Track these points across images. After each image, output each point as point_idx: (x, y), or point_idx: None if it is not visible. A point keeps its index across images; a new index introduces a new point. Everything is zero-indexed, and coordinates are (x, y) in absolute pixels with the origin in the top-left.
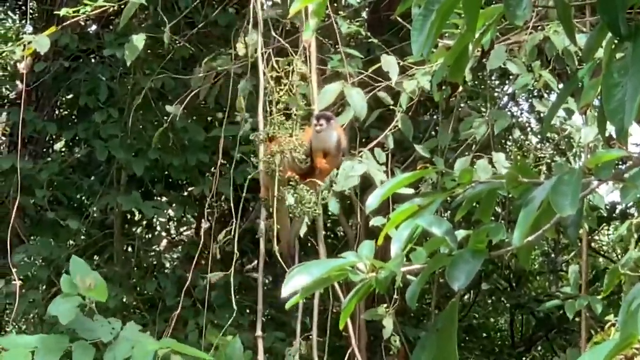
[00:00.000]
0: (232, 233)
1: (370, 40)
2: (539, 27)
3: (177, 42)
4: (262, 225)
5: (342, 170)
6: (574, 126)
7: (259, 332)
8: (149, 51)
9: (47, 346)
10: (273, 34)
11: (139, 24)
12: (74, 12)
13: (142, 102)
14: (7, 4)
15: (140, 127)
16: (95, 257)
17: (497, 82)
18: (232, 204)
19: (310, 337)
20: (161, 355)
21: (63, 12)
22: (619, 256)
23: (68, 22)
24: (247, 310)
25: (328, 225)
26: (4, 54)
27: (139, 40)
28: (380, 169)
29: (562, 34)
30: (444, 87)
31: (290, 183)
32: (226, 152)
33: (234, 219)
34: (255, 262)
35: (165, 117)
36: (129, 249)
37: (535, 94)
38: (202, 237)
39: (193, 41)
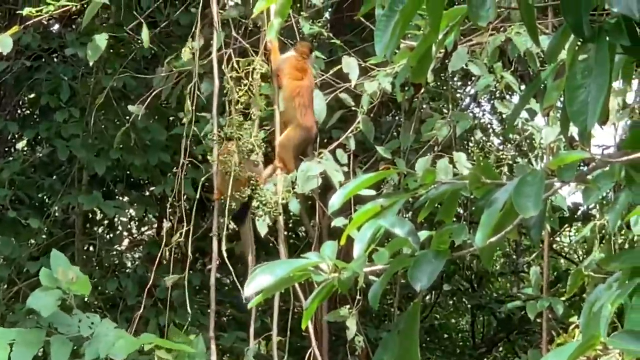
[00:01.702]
0: (189, 233)
1: (332, 41)
2: (502, 29)
3: (138, 41)
4: (214, 225)
5: (301, 171)
6: (536, 127)
7: (211, 333)
8: (110, 50)
9: (25, 340)
10: (234, 34)
11: (101, 23)
12: (36, 11)
13: (103, 102)
14: None
15: (102, 126)
16: None
17: (459, 83)
18: (194, 204)
19: (271, 337)
20: (147, 349)
21: (25, 11)
22: (581, 258)
23: (30, 21)
24: (209, 310)
25: (290, 225)
26: None
27: (101, 39)
28: (340, 170)
29: (524, 35)
30: (406, 88)
31: (251, 182)
32: (188, 151)
33: (192, 219)
34: (218, 261)
35: (127, 117)
36: (90, 248)
37: (497, 95)
38: (164, 237)
39: (155, 41)
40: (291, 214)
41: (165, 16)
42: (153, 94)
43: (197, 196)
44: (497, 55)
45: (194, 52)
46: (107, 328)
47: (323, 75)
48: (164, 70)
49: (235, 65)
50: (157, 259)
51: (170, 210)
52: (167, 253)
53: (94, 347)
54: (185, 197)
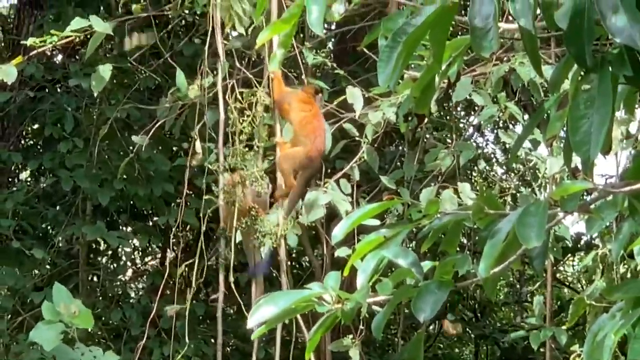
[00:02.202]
0: (193, 264)
1: (336, 71)
2: (505, 59)
3: (142, 72)
4: (221, 256)
5: (307, 201)
6: (539, 157)
7: None
8: (114, 81)
9: None
10: (237, 65)
11: (105, 54)
12: (40, 42)
13: (107, 133)
14: None
15: (106, 157)
16: None
17: (462, 113)
18: (198, 234)
19: None
20: None
21: (29, 42)
22: (584, 287)
23: (34, 52)
24: (212, 340)
25: (293, 255)
26: None
27: (105, 70)
28: (346, 200)
29: (527, 65)
30: (410, 119)
31: (252, 214)
32: (191, 182)
33: (198, 249)
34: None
35: (131, 148)
36: (94, 278)
37: (501, 125)
38: (167, 267)
39: (159, 71)
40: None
41: (169, 47)
42: (157, 124)
43: (202, 227)
44: (500, 85)
45: (194, 92)
46: None
47: (327, 105)
48: (167, 100)
49: (239, 97)
50: (161, 290)
51: (174, 240)
52: (171, 283)
53: None
54: (188, 227)
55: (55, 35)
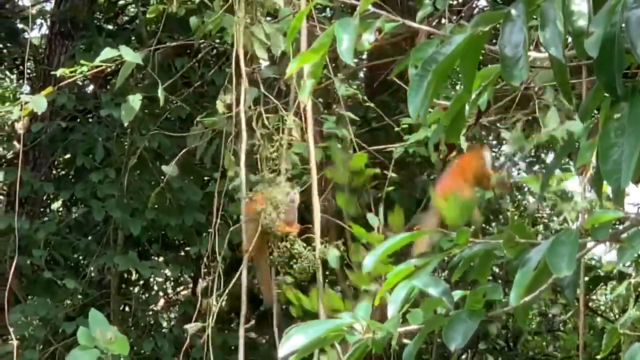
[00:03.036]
0: (222, 293)
1: (367, 104)
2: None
3: (173, 101)
4: (243, 284)
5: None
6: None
7: None
8: (145, 111)
9: None
10: (263, 90)
11: (136, 83)
12: (70, 72)
13: (138, 162)
14: (5, 64)
15: (137, 187)
16: None
17: (494, 142)
18: (230, 263)
19: None
20: None
21: (60, 72)
22: (617, 316)
23: (65, 82)
24: None
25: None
26: (1, 114)
27: (135, 100)
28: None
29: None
30: (441, 148)
31: (288, 238)
32: (223, 211)
33: (232, 279)
34: (253, 321)
35: (162, 177)
36: (126, 308)
37: (533, 153)
38: (199, 297)
39: (189, 100)
40: (327, 272)
41: (198, 76)
42: (186, 152)
43: (232, 255)
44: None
45: (226, 107)
46: None
47: (357, 136)
48: (197, 129)
49: (266, 122)
50: (193, 319)
51: (205, 270)
52: (203, 313)
53: None
54: (221, 256)
55: (85, 65)
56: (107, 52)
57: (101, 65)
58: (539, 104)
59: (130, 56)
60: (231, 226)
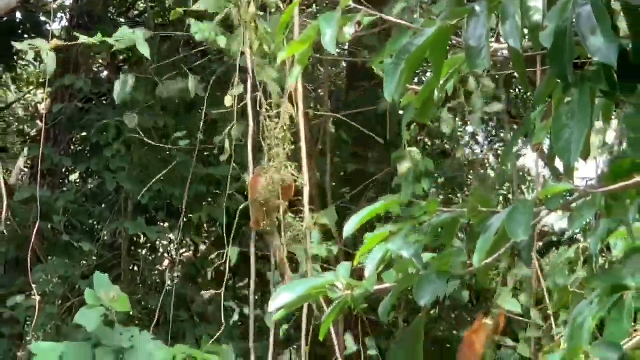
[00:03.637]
0: (224, 256)
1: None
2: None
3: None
4: (252, 249)
5: None
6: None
7: (251, 344)
8: (154, 94)
9: (73, 352)
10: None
11: (146, 70)
12: (93, 43)
13: (146, 139)
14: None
15: (146, 161)
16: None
17: (460, 123)
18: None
19: (296, 347)
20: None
21: (86, 39)
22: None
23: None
24: (240, 323)
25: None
26: (26, 97)
27: (127, 81)
28: None
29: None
30: (412, 127)
31: (286, 209)
32: (220, 184)
33: (229, 242)
34: (247, 280)
35: (168, 153)
36: (135, 268)
37: (494, 134)
38: (199, 259)
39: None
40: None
41: (201, 67)
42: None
43: (233, 223)
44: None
45: (229, 101)
46: (145, 340)
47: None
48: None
49: (267, 107)
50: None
51: (205, 235)
52: (205, 272)
53: (134, 357)
54: (218, 223)
55: (103, 40)
56: (123, 31)
57: (115, 45)
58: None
59: (141, 40)
60: (228, 198)
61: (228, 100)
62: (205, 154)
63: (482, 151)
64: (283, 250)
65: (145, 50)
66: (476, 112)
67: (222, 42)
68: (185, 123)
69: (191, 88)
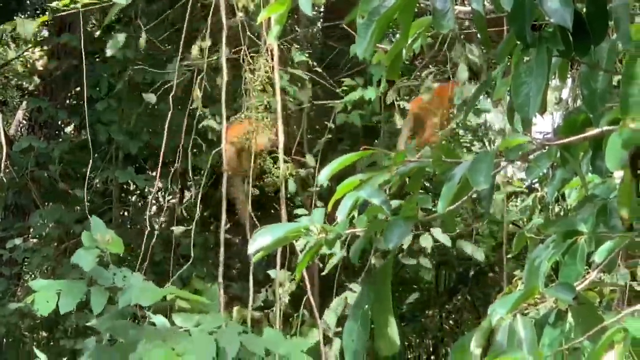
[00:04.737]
0: (203, 200)
1: (321, 46)
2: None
3: (165, 44)
4: (223, 193)
5: None
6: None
7: (220, 280)
8: (141, 51)
9: (69, 289)
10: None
11: (134, 29)
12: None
13: (135, 94)
14: (28, 13)
15: (135, 113)
16: None
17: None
18: (207, 177)
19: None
20: (169, 299)
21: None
22: (525, 223)
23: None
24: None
25: (289, 196)
26: (25, 54)
27: (120, 37)
28: None
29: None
30: (381, 84)
31: (261, 155)
32: (204, 135)
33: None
34: (229, 224)
35: (155, 106)
36: (125, 213)
37: None
38: (182, 205)
39: (177, 43)
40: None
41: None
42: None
43: (212, 171)
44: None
45: (196, 51)
46: (137, 280)
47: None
48: (178, 66)
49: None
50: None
51: (190, 182)
52: (189, 217)
53: (127, 296)
54: (202, 172)
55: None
56: None
57: (101, 3)
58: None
59: None
60: (210, 147)
61: (195, 50)
62: (192, 107)
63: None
64: (248, 200)
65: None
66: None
67: None
68: (171, 77)
69: (141, 42)
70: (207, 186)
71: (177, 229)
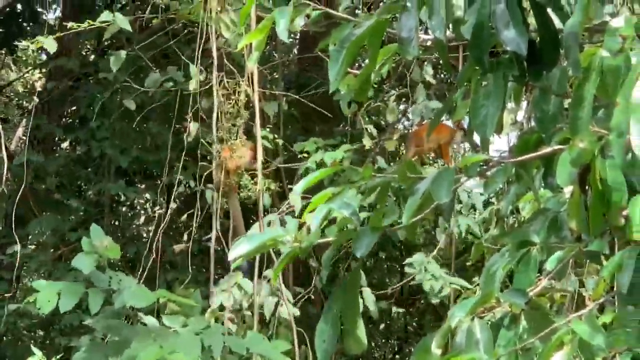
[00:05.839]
0: (192, 214)
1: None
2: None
3: (155, 69)
4: (214, 206)
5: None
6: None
7: (212, 288)
8: (132, 76)
9: (69, 290)
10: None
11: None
12: (76, 26)
13: (126, 113)
14: (28, 38)
15: (125, 131)
16: None
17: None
18: (192, 191)
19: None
20: (161, 302)
21: (70, 24)
22: (482, 234)
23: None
24: (204, 270)
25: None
26: (25, 75)
27: (121, 54)
28: None
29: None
30: (351, 106)
31: (238, 172)
32: (190, 151)
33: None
34: (211, 234)
35: (144, 125)
36: (116, 222)
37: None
38: (165, 217)
39: (165, 68)
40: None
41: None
42: (163, 106)
43: (199, 186)
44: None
45: (194, 84)
46: (131, 283)
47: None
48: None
49: (227, 85)
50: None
51: (175, 195)
52: (175, 227)
53: (122, 298)
54: (187, 185)
55: (85, 25)
56: (105, 15)
57: (99, 26)
58: (410, 81)
59: (120, 20)
60: (196, 163)
61: (192, 84)
62: (177, 126)
63: (412, 126)
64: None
65: (125, 24)
66: (419, 104)
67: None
68: (159, 99)
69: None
70: (192, 198)
71: (178, 247)
